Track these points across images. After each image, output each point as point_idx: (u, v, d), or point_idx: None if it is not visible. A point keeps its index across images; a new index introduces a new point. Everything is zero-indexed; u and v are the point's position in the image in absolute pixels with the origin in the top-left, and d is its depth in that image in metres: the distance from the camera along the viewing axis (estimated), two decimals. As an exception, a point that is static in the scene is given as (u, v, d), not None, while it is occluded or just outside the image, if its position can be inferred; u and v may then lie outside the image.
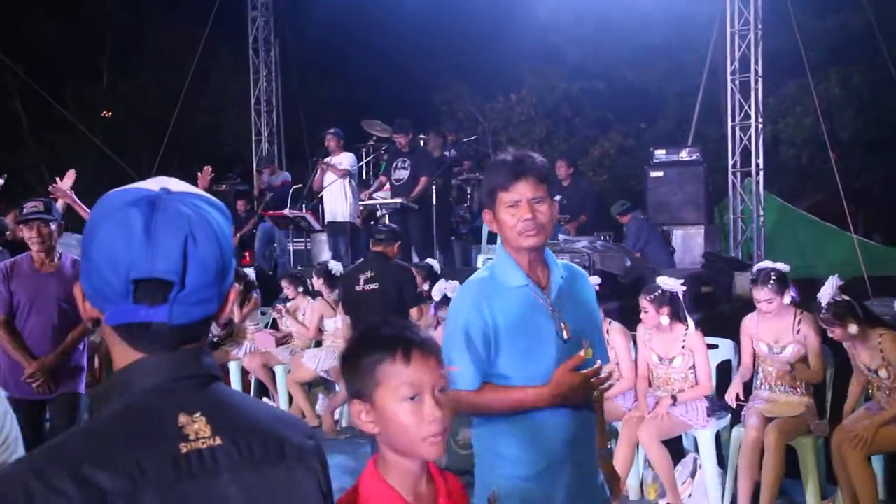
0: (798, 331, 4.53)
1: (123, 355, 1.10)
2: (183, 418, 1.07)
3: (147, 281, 1.05)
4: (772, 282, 4.50)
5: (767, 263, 4.70)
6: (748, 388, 4.76)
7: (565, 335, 2.27)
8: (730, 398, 4.70)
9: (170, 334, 1.08)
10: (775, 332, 4.60)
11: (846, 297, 4.22)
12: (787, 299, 4.52)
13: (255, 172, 10.45)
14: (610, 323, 4.96)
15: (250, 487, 1.08)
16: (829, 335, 4.32)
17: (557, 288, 2.33)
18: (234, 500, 1.07)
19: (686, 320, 4.77)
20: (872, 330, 4.22)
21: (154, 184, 1.12)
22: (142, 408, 1.07)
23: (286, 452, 1.14)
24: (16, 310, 4.20)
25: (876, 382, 4.29)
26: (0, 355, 4.28)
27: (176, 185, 1.13)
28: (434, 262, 6.89)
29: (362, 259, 5.85)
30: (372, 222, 9.76)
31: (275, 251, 10.41)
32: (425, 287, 5.93)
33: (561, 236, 7.59)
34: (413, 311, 4.90)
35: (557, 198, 8.97)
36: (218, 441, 1.08)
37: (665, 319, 4.68)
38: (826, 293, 4.23)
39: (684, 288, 4.82)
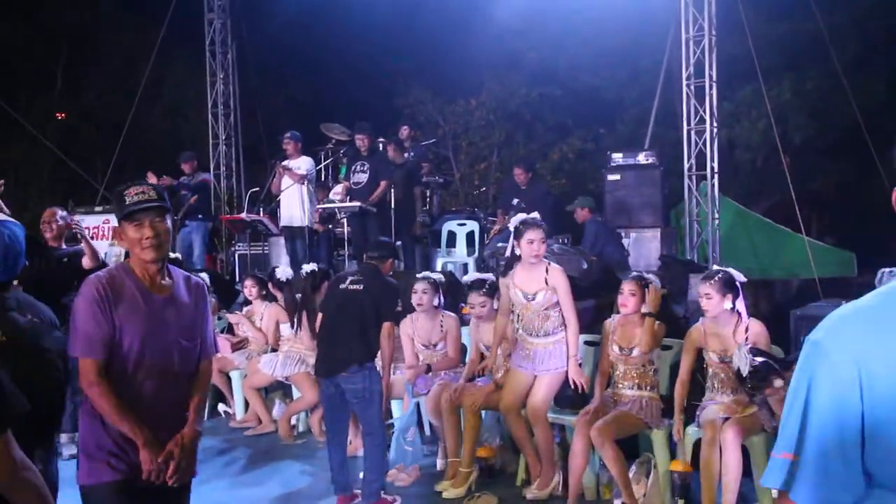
0: (746, 339, 4.53)
1: None
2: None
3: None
4: (715, 279, 4.57)
5: (723, 268, 4.76)
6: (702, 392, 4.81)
7: None
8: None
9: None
10: (721, 341, 4.64)
11: (759, 358, 4.23)
12: (727, 304, 4.57)
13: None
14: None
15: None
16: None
17: None
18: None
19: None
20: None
21: None
22: None
23: (42, 328, 2.91)
24: (124, 354, 2.68)
25: None
26: (90, 425, 2.74)
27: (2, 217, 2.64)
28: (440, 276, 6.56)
29: (356, 266, 5.92)
30: (330, 226, 9.72)
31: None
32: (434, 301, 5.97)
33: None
34: (386, 325, 4.97)
35: (515, 201, 9.10)
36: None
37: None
38: (743, 364, 4.25)
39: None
